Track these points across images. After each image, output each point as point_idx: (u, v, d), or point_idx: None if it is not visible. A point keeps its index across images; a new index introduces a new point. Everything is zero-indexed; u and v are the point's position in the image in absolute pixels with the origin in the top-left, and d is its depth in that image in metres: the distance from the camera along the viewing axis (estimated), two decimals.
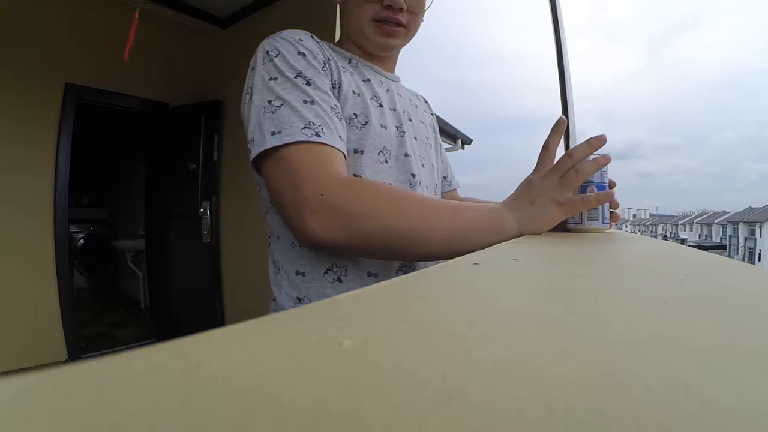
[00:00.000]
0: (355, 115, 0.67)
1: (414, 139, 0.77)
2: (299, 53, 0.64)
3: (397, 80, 0.84)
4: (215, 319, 2.79)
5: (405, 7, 0.71)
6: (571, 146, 1.98)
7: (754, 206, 45.26)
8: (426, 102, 0.96)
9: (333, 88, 0.66)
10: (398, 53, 0.83)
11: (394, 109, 0.76)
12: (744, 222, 41.99)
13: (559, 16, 1.77)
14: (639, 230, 69.07)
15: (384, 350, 0.12)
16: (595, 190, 0.66)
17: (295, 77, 0.60)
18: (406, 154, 0.73)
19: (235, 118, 2.82)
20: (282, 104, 0.57)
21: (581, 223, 0.67)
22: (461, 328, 0.15)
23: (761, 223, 39.10)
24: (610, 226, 0.70)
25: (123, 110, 3.10)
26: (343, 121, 0.63)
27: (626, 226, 76.50)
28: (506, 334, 0.14)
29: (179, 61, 3.13)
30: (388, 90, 0.78)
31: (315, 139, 0.55)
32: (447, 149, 5.10)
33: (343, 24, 0.81)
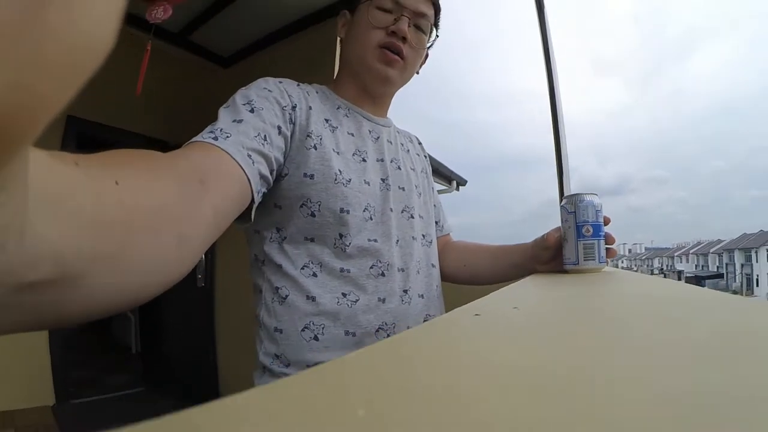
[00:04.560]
0: (340, 171, 0.67)
1: (401, 190, 0.77)
2: (264, 88, 0.65)
3: (388, 125, 0.84)
4: (208, 368, 2.71)
5: (408, 37, 0.74)
6: (564, 186, 2.01)
7: (748, 232, 45.48)
8: (419, 143, 0.97)
9: (290, 128, 0.65)
10: (392, 95, 0.85)
11: (381, 160, 0.76)
12: (739, 249, 42.12)
13: (551, 54, 1.84)
14: (635, 265, 68.92)
15: (402, 422, 0.12)
16: (591, 229, 0.67)
17: (243, 104, 0.60)
18: (391, 209, 0.73)
19: None
20: (217, 121, 0.56)
21: (578, 263, 0.68)
22: (472, 392, 0.15)
23: (756, 248, 39.25)
24: (607, 263, 0.71)
25: (123, 146, 3.09)
26: (271, 143, 0.58)
27: (622, 262, 76.35)
28: (520, 397, 0.14)
29: (181, 99, 3.18)
30: (377, 138, 0.79)
31: (208, 139, 0.50)
32: (442, 191, 5.16)
33: (343, 56, 0.82)
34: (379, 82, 0.77)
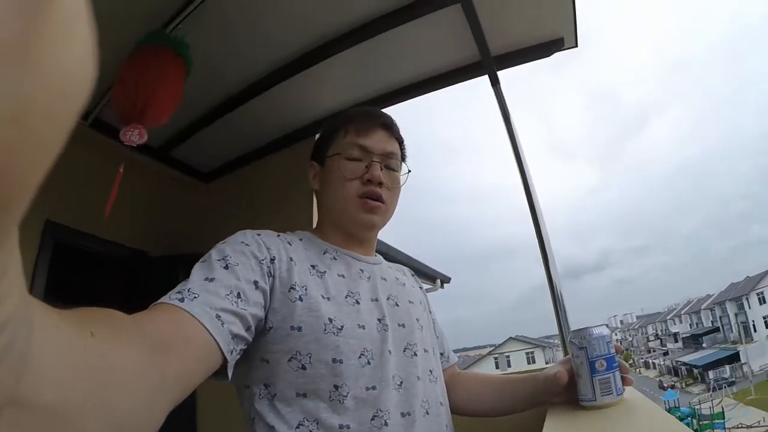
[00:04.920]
0: (330, 320, 0.65)
1: (401, 328, 0.74)
2: (241, 242, 0.65)
3: (379, 262, 0.84)
4: None
5: (383, 181, 0.76)
6: (551, 271, 2.00)
7: (735, 281, 45.77)
8: (413, 275, 0.96)
9: (269, 281, 0.64)
10: (377, 234, 0.85)
11: (376, 299, 0.74)
12: (730, 300, 42.07)
13: (521, 151, 1.94)
14: (630, 335, 67.77)
15: None
16: (604, 363, 0.64)
17: (218, 260, 0.60)
18: (390, 351, 0.69)
19: None
20: (189, 279, 0.56)
21: (595, 400, 0.63)
22: None
23: (746, 295, 39.23)
24: (624, 391, 0.67)
25: (101, 255, 3.05)
26: (246, 300, 0.58)
27: (616, 334, 75.10)
28: None
29: (162, 211, 3.19)
30: (369, 277, 0.77)
31: (175, 301, 0.50)
32: (427, 290, 5.09)
33: (321, 208, 0.83)
34: (364, 230, 0.79)
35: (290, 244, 0.72)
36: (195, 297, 0.51)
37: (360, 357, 0.65)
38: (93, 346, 0.31)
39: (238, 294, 0.56)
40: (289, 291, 0.64)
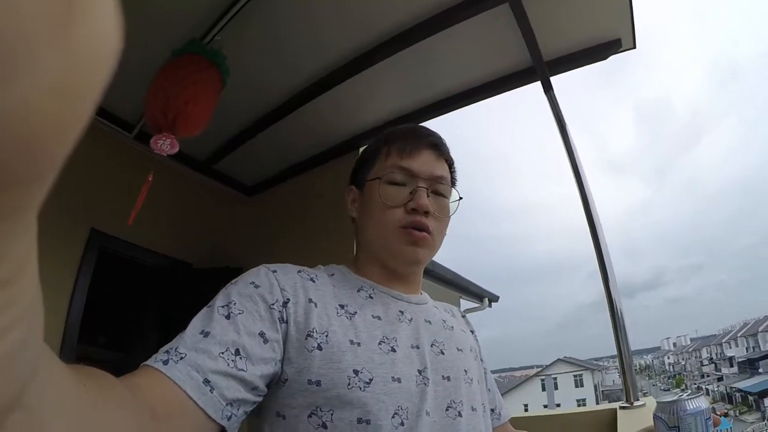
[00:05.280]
0: (356, 372, 0.55)
1: (445, 381, 0.63)
2: (250, 283, 0.58)
3: (424, 302, 0.74)
4: None
5: (430, 210, 0.66)
6: (611, 288, 1.85)
7: None
8: (463, 316, 0.85)
9: (282, 328, 0.56)
10: (422, 270, 0.76)
11: (417, 347, 0.64)
12: None
13: (579, 164, 1.80)
14: (683, 359, 63.90)
15: None
16: None
17: (221, 306, 0.53)
18: (428, 412, 0.58)
19: None
20: (186, 330, 0.51)
21: None
22: None
23: None
24: None
25: (144, 264, 3.10)
26: (247, 357, 0.51)
27: (668, 357, 70.84)
28: None
29: (205, 222, 3.23)
30: (411, 320, 0.67)
31: (159, 364, 0.45)
32: (473, 308, 5.08)
33: (360, 237, 0.74)
34: (407, 265, 0.70)
35: (313, 281, 0.63)
36: (181, 358, 0.46)
37: (393, 417, 0.55)
38: (86, 397, 0.29)
39: (237, 351, 0.50)
40: (306, 338, 0.56)
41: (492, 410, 0.78)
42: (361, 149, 0.81)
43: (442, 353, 0.66)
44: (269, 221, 2.90)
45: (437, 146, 0.72)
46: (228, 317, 0.52)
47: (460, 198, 0.74)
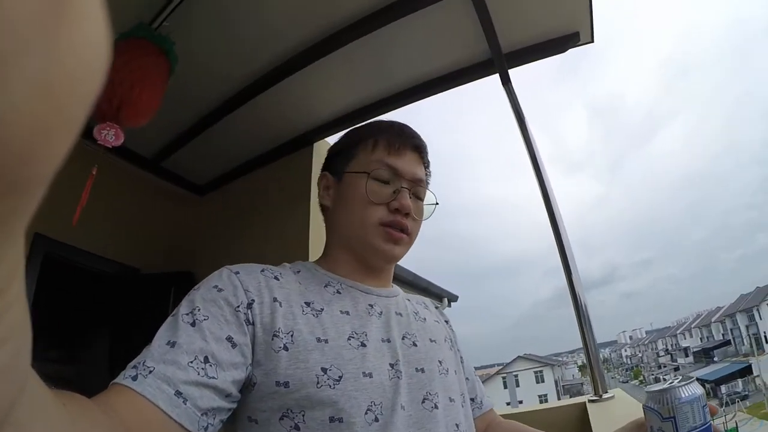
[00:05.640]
0: (324, 370, 0.54)
1: (419, 373, 0.62)
2: (213, 287, 0.57)
3: (395, 294, 0.72)
4: None
5: (411, 212, 0.68)
6: (575, 282, 1.83)
7: (744, 293, 44.77)
8: (437, 307, 0.85)
9: (249, 330, 0.55)
10: (393, 265, 0.76)
11: (388, 340, 0.63)
12: (740, 311, 41.17)
13: (540, 162, 1.78)
14: (640, 351, 66.78)
15: None
16: None
17: (185, 314, 0.52)
18: (403, 406, 0.57)
19: None
20: (152, 342, 0.50)
21: None
22: None
23: (757, 306, 38.32)
24: None
25: (92, 270, 2.91)
26: (217, 364, 0.50)
27: (625, 350, 73.88)
28: None
29: (154, 225, 3.04)
30: (381, 313, 0.66)
31: (128, 381, 0.45)
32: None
33: (333, 230, 0.73)
34: (384, 261, 0.70)
35: (278, 279, 0.62)
36: (150, 372, 0.45)
37: (367, 413, 0.54)
38: (66, 416, 0.30)
39: (206, 358, 0.49)
40: (272, 339, 0.55)
41: (472, 399, 0.78)
42: (343, 137, 0.78)
43: (415, 345, 0.65)
44: (221, 222, 2.76)
45: (421, 149, 0.73)
46: (193, 324, 0.51)
47: (437, 203, 0.75)
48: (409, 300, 0.76)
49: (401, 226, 0.67)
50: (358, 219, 0.67)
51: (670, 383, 0.52)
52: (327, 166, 0.76)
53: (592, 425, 1.31)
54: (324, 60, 1.87)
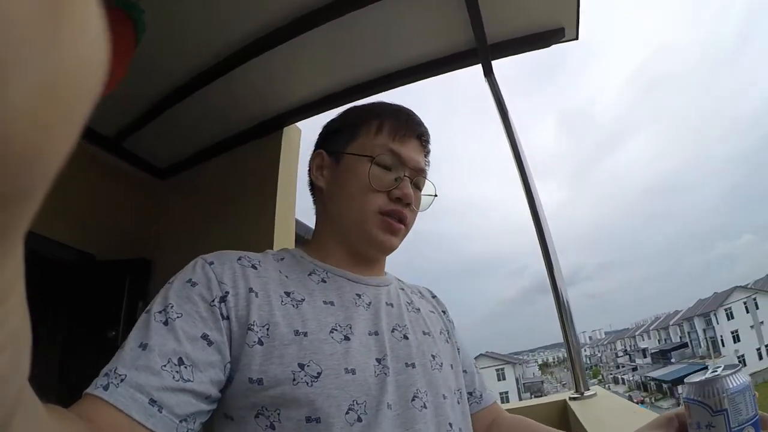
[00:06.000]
0: (301, 366, 0.50)
1: (409, 368, 0.58)
2: (187, 281, 0.53)
3: (387, 283, 0.68)
4: None
5: (412, 202, 0.65)
6: (557, 278, 1.79)
7: (702, 297, 46.95)
8: (433, 297, 0.79)
9: (225, 325, 0.52)
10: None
11: (376, 333, 0.59)
12: (698, 315, 43.12)
13: (518, 142, 1.74)
14: (599, 351, 69.15)
15: None
16: (752, 430, 0.43)
17: (158, 312, 0.50)
18: (389, 405, 0.53)
19: (164, 281, 2.47)
20: (124, 344, 0.47)
21: None
22: None
23: (714, 310, 40.22)
24: None
25: (42, 256, 2.65)
26: (193, 365, 0.47)
27: (585, 350, 76.51)
28: None
29: (111, 209, 2.84)
30: (369, 304, 0.62)
31: (99, 391, 0.43)
32: None
33: (325, 213, 0.69)
34: (378, 252, 0.67)
35: (255, 268, 0.58)
36: (122, 380, 0.43)
37: (348, 413, 0.50)
38: (56, 425, 0.30)
39: (180, 360, 0.46)
40: (247, 332, 0.51)
41: (470, 394, 0.74)
42: (342, 114, 0.73)
43: (406, 338, 0.62)
44: (183, 208, 2.61)
45: (425, 139, 0.70)
46: (166, 323, 0.49)
47: (436, 195, 0.72)
48: (403, 289, 0.72)
49: (400, 216, 0.64)
50: (356, 205, 0.64)
51: (714, 373, 0.47)
52: (322, 143, 0.71)
53: (580, 421, 1.27)
54: (301, 38, 1.76)
